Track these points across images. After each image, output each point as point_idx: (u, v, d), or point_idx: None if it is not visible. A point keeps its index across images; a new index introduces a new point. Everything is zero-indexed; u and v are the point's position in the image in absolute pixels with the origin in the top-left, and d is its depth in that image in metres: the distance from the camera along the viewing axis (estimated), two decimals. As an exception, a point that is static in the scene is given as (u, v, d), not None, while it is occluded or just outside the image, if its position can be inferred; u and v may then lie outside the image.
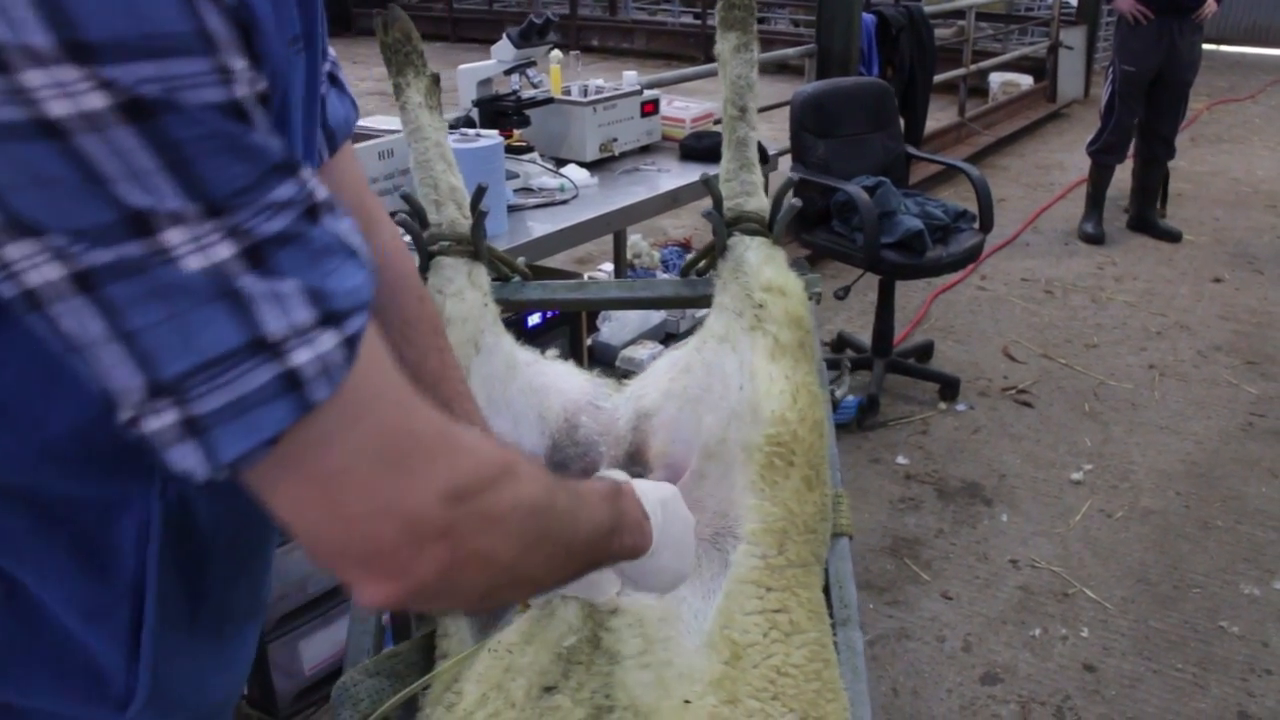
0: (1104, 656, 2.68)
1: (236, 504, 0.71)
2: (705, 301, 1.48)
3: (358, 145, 2.28)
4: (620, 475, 1.12)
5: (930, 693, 2.56)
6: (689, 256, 1.58)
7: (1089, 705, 2.52)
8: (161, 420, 0.55)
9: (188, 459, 0.56)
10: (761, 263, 1.37)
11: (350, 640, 1.23)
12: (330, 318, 0.58)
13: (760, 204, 1.45)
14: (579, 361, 2.85)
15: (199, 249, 0.53)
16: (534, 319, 2.68)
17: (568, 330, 2.80)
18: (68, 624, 0.72)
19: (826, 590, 1.26)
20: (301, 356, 0.57)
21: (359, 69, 10.26)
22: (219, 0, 0.52)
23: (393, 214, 1.23)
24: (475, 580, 0.67)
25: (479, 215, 1.46)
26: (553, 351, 1.50)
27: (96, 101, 0.49)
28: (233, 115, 0.54)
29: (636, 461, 1.33)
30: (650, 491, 1.02)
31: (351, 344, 0.59)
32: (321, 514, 0.60)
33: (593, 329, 3.55)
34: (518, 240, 2.64)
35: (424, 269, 1.47)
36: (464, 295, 1.40)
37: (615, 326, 3.66)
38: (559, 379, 1.44)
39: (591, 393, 1.43)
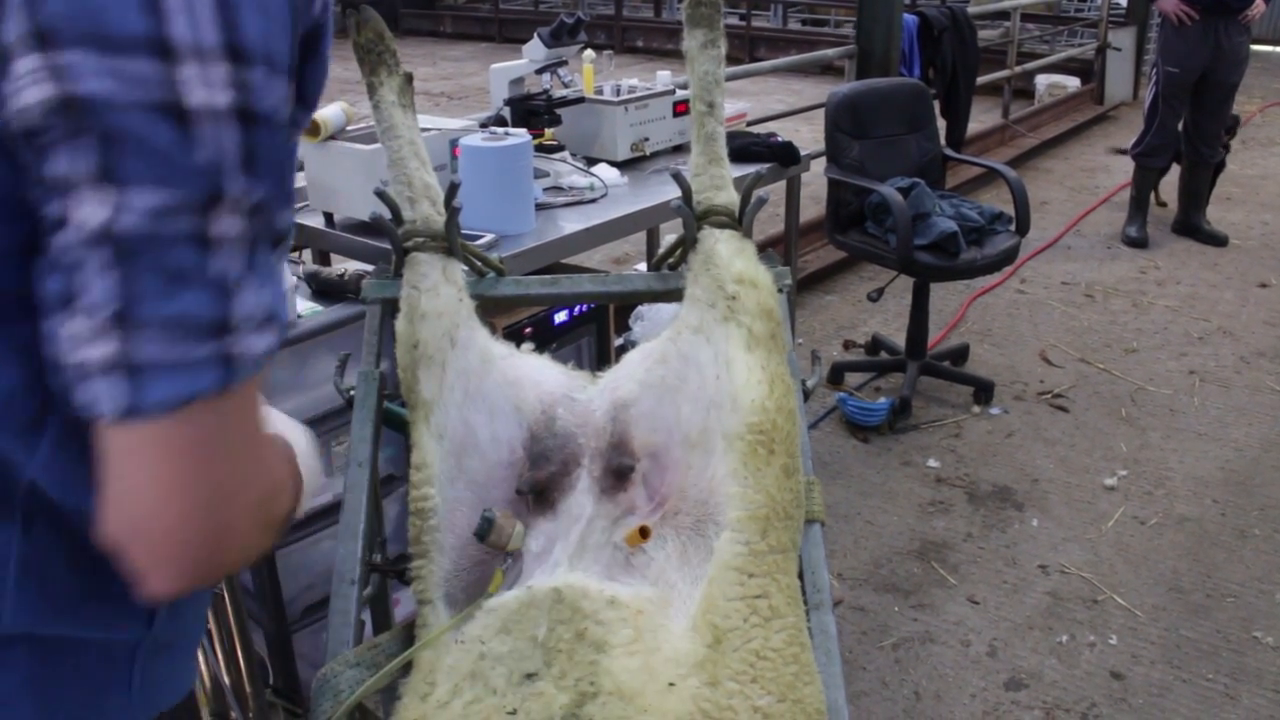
0: (1132, 664, 2.65)
1: None
2: (677, 295, 1.49)
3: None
4: None
5: (953, 697, 2.54)
6: (660, 251, 1.59)
7: (1116, 713, 2.49)
8: (99, 350, 0.64)
9: (106, 392, 0.64)
10: (732, 255, 1.38)
11: (331, 633, 1.25)
12: (271, 321, 0.69)
13: (730, 198, 1.46)
14: (606, 360, 2.88)
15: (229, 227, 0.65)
16: (560, 316, 2.69)
17: (594, 328, 2.82)
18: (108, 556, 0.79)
19: (801, 576, 1.27)
20: (240, 345, 0.67)
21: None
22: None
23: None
24: (234, 562, 0.75)
25: (452, 211, 1.47)
26: (528, 345, 1.51)
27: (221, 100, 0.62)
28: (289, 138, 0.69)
29: (621, 452, 1.34)
30: (297, 439, 1.04)
31: (269, 354, 0.70)
32: (173, 483, 0.68)
33: (623, 327, 3.56)
34: (545, 238, 2.65)
35: (399, 265, 1.50)
36: (439, 291, 1.42)
37: (647, 325, 3.66)
38: (534, 371, 1.45)
39: (567, 385, 1.45)
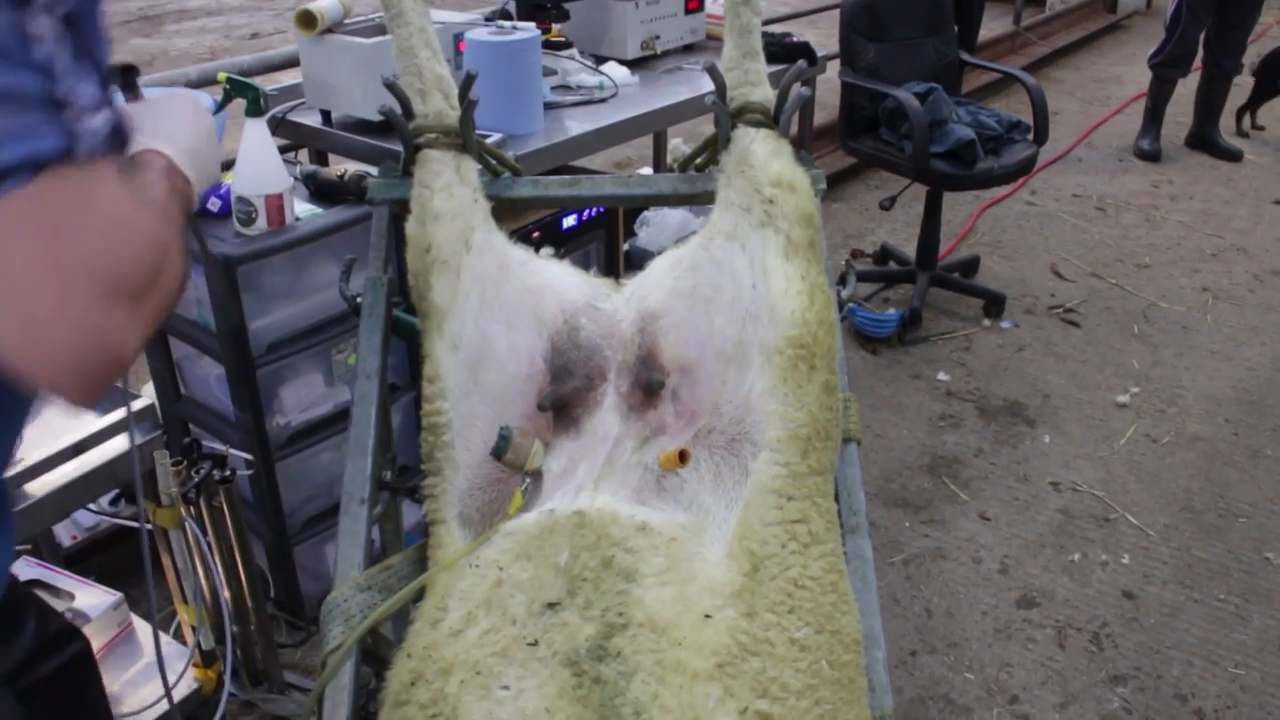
0: (1144, 584, 2.62)
1: None
2: (705, 198, 1.39)
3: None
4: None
5: (965, 614, 2.51)
6: (689, 150, 1.48)
7: (1127, 633, 2.46)
8: None
9: None
10: (769, 156, 1.28)
11: (340, 554, 1.18)
12: (106, 108, 0.71)
13: (766, 94, 1.35)
14: (615, 265, 2.78)
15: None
16: (569, 221, 2.59)
17: (603, 233, 2.72)
18: None
19: (835, 498, 1.20)
20: (80, 122, 0.69)
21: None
22: None
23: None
24: (132, 340, 0.74)
25: (468, 106, 1.36)
26: (547, 250, 1.41)
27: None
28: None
29: (650, 366, 1.26)
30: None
31: (115, 136, 0.72)
32: (43, 259, 0.67)
33: (630, 233, 3.46)
34: (554, 139, 2.54)
35: (409, 163, 1.39)
36: (452, 190, 1.32)
37: (653, 231, 3.56)
38: (555, 279, 1.36)
39: (590, 293, 1.35)
